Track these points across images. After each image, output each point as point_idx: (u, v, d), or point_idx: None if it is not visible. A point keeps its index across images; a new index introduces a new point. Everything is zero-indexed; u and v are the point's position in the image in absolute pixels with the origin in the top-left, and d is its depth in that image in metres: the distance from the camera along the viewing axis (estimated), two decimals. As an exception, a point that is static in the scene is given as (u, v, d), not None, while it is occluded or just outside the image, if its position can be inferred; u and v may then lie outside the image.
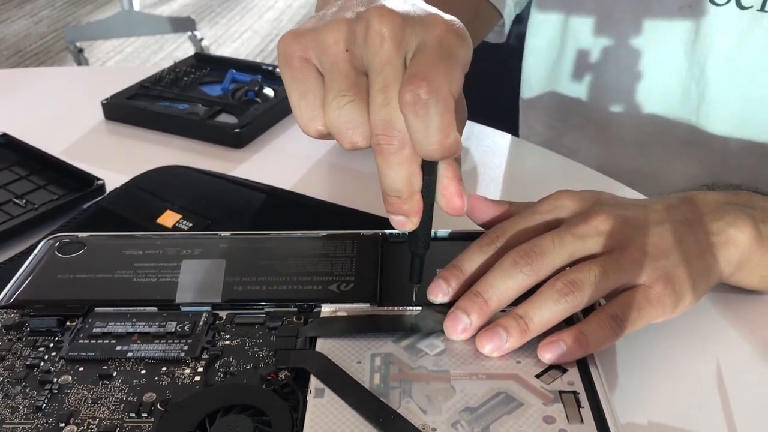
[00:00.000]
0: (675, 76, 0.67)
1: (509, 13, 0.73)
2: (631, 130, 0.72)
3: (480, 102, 0.85)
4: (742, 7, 0.61)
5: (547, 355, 0.38)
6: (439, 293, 0.41)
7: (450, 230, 0.50)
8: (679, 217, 0.43)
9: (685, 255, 0.41)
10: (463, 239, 0.47)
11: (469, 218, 0.46)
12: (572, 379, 0.38)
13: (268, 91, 0.74)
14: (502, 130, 0.70)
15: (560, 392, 0.37)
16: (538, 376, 0.38)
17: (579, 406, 0.36)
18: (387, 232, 0.50)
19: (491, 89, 0.89)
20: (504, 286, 0.39)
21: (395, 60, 0.34)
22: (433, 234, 0.44)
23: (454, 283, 0.41)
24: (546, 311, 0.39)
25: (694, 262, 0.42)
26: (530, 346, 0.39)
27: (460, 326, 0.39)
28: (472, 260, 0.42)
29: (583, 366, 0.38)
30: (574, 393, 0.37)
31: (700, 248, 0.42)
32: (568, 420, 0.35)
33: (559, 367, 0.38)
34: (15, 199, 0.58)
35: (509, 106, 0.86)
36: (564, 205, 0.43)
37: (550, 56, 0.75)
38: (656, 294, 0.40)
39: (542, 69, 0.77)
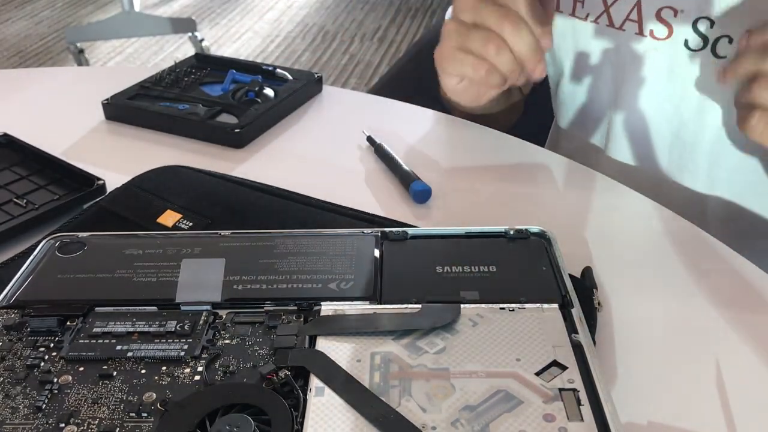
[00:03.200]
0: (649, 115, 0.68)
1: None
2: (607, 167, 0.72)
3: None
4: (717, 56, 0.61)
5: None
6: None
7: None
8: None
9: None
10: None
11: None
12: (572, 377, 0.38)
13: (268, 92, 0.74)
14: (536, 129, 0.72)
15: (560, 390, 0.37)
16: (538, 374, 0.38)
17: (579, 404, 0.36)
18: (386, 230, 0.50)
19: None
20: None
21: None
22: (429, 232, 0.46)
23: None
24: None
25: None
26: (529, 344, 0.40)
27: None
28: None
29: (583, 364, 0.38)
30: (574, 391, 0.37)
31: None
32: (568, 418, 0.35)
33: (559, 365, 0.38)
34: (15, 199, 0.58)
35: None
36: None
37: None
38: None
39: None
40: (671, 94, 0.65)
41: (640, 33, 0.64)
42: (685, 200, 0.68)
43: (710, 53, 0.61)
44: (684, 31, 0.62)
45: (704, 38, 0.61)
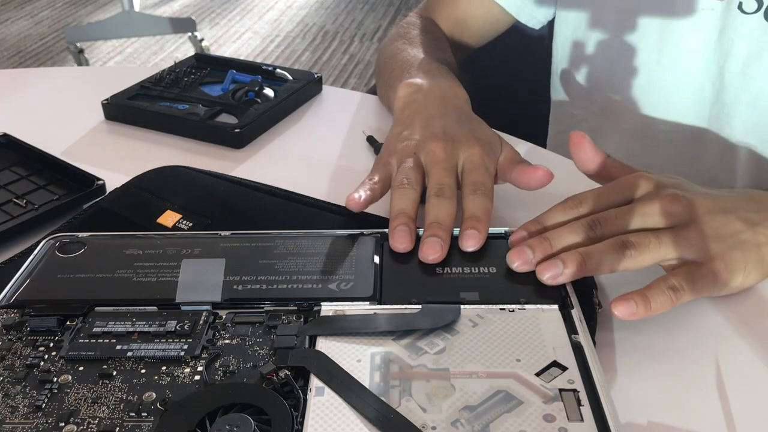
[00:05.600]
0: (691, 75, 0.68)
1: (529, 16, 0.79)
2: (642, 125, 0.73)
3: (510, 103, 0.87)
4: None
5: (620, 307, 0.42)
6: (520, 238, 0.47)
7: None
8: (743, 210, 0.47)
9: (742, 243, 0.45)
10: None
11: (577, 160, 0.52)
12: (572, 377, 0.38)
13: (268, 92, 0.74)
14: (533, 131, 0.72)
15: (560, 390, 0.37)
16: (538, 375, 0.38)
17: (579, 404, 0.36)
18: (387, 231, 0.50)
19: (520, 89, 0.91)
20: (570, 239, 0.46)
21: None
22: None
23: (534, 231, 0.47)
24: (605, 257, 0.44)
25: (750, 251, 0.45)
26: (529, 345, 0.40)
27: (523, 258, 0.45)
28: (553, 218, 0.48)
29: (583, 364, 0.38)
30: (574, 391, 0.37)
31: (757, 241, 0.46)
32: (568, 418, 0.35)
33: (559, 366, 0.38)
34: (15, 199, 0.58)
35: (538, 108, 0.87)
36: (640, 185, 0.48)
37: (575, 50, 0.77)
38: (709, 270, 0.44)
39: (568, 61, 0.79)
40: (717, 56, 0.66)
41: None
42: (714, 163, 0.70)
43: (762, 17, 0.62)
44: None
45: (759, 1, 0.62)
